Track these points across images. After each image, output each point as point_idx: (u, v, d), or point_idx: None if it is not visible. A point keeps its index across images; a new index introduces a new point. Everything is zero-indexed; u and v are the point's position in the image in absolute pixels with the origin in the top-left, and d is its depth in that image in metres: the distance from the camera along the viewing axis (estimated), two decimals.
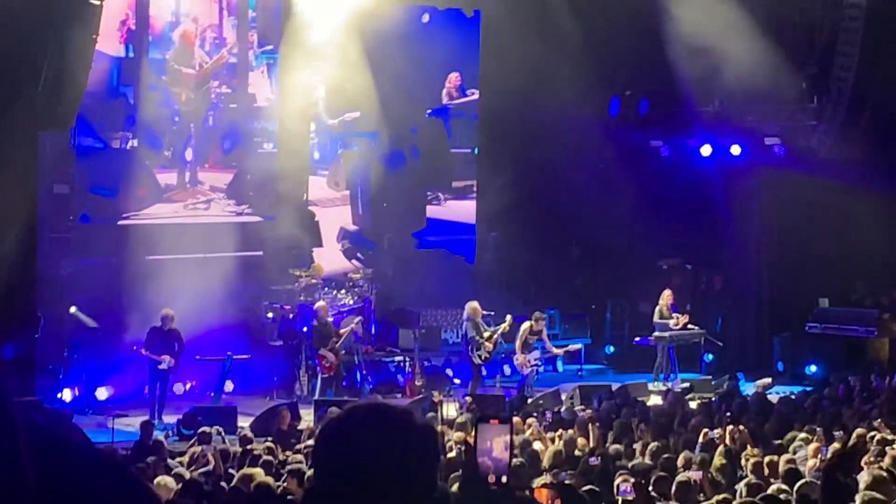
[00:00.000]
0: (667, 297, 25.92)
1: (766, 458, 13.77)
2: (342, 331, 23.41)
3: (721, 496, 11.34)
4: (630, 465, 13.88)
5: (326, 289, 25.15)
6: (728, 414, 18.10)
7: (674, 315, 25.63)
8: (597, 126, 27.83)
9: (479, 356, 23.50)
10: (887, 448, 14.13)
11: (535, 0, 27.38)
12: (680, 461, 13.56)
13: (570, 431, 16.49)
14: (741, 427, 16.01)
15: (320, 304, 23.75)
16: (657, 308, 25.89)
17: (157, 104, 26.29)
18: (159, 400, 21.51)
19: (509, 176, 28.32)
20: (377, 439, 3.07)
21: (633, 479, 11.92)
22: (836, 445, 14.46)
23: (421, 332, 25.10)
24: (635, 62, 26.03)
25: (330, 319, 24.04)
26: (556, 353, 25.35)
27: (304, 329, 23.83)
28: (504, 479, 5.49)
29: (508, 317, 24.62)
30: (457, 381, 24.77)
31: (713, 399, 20.66)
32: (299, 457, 14.74)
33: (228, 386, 22.90)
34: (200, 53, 26.80)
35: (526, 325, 24.00)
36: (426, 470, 3.14)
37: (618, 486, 11.79)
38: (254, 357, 23.78)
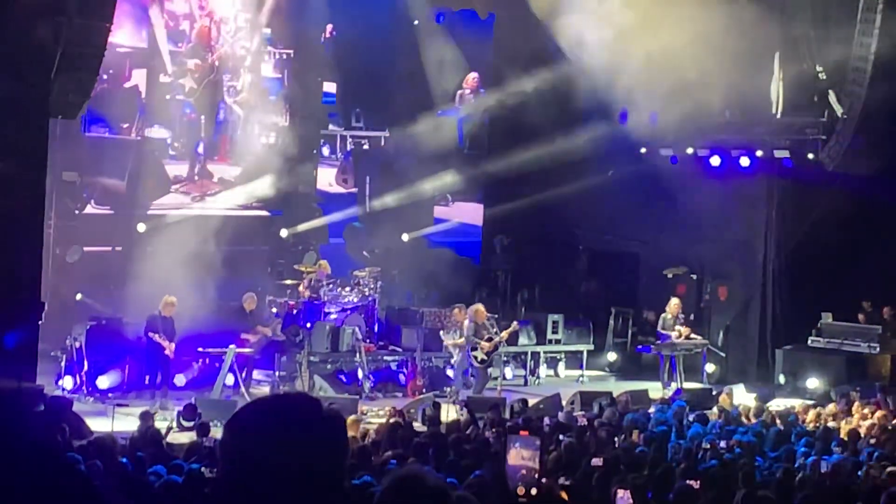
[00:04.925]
0: (674, 306, 25.89)
1: None
2: (261, 329, 23.37)
3: None
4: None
5: (331, 286, 25.15)
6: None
7: (676, 328, 25.60)
8: (607, 133, 27.81)
9: (475, 357, 23.54)
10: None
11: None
12: None
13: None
14: None
15: (248, 294, 23.79)
16: (662, 316, 25.89)
17: (168, 95, 26.37)
18: (160, 387, 21.55)
19: (518, 179, 28.36)
20: (282, 430, 3.09)
21: (629, 487, 11.92)
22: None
23: (424, 332, 25.10)
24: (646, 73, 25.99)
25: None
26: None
27: (308, 325, 23.87)
28: (534, 491, 5.45)
29: (514, 323, 24.71)
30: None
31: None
32: None
33: (229, 379, 22.92)
34: (212, 46, 26.87)
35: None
36: (333, 459, 3.16)
37: (615, 492, 11.78)
38: (256, 351, 23.80)
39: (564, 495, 10.89)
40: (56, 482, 9.96)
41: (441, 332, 24.37)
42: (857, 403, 21.02)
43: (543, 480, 11.76)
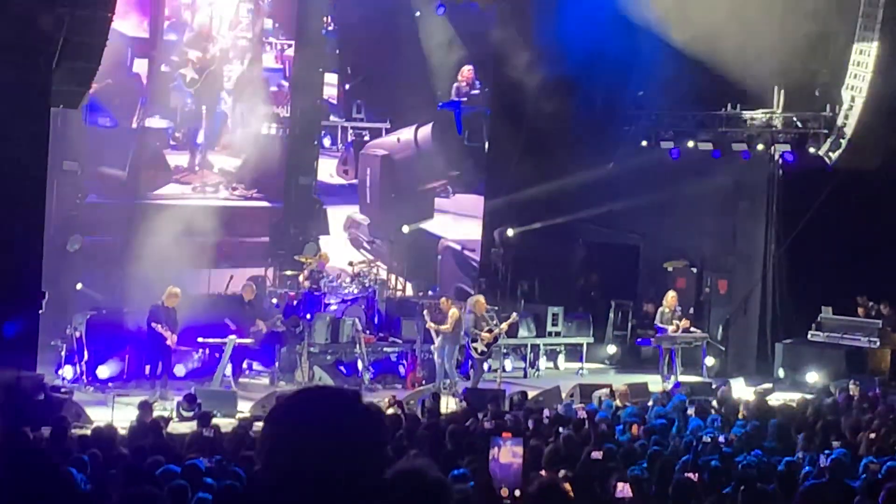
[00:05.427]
0: (671, 299, 25.88)
1: None
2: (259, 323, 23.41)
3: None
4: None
5: (331, 277, 25.16)
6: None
7: (674, 321, 25.58)
8: (607, 126, 27.86)
9: (475, 349, 23.54)
10: None
11: None
12: None
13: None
14: None
15: (247, 284, 23.84)
16: (660, 310, 25.89)
17: (169, 85, 26.37)
18: (161, 377, 21.54)
19: (518, 172, 28.36)
20: (323, 422, 3.08)
21: (629, 479, 11.93)
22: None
23: (424, 324, 25.11)
24: (645, 65, 26.02)
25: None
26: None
27: (308, 316, 23.85)
28: (517, 492, 5.42)
29: (514, 314, 24.69)
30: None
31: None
32: None
33: (229, 369, 22.93)
34: (214, 37, 26.87)
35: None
36: (373, 451, 3.16)
37: (615, 485, 11.79)
38: (256, 342, 23.79)
39: (567, 486, 10.90)
40: (24, 470, 9.91)
41: (425, 312, 24.21)
42: None
43: (543, 473, 11.78)
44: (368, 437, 3.16)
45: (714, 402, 20.40)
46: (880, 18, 24.64)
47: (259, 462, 3.21)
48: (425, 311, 24.12)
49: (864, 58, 25.07)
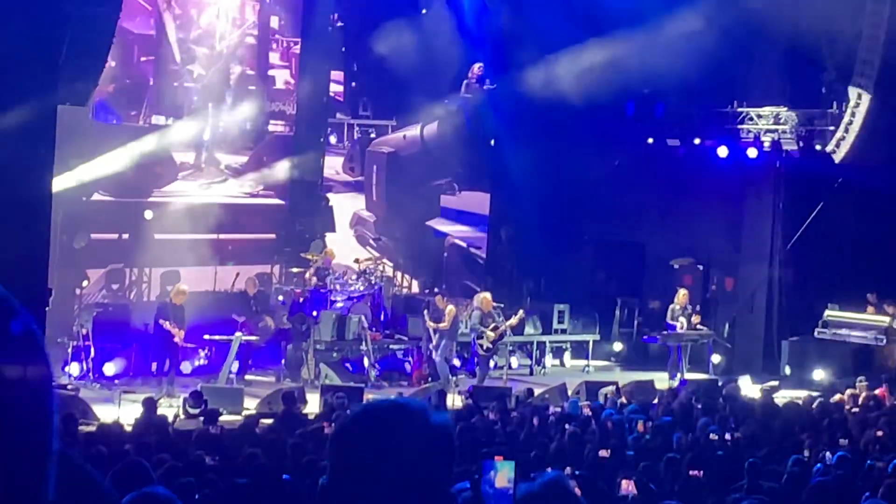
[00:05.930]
0: (682, 297, 25.87)
1: None
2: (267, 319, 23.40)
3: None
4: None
5: (338, 274, 25.16)
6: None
7: (682, 318, 25.56)
8: (614, 122, 27.82)
9: (481, 346, 23.54)
10: None
11: None
12: None
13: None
14: None
15: (249, 278, 23.91)
16: (670, 307, 25.88)
17: (176, 83, 26.37)
18: (167, 374, 21.54)
19: (525, 169, 28.33)
20: (393, 438, 3.06)
21: (634, 478, 11.93)
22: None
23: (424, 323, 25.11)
24: (654, 60, 25.98)
25: None
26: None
27: (314, 313, 23.86)
28: None
29: (521, 311, 24.69)
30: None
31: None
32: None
33: (235, 366, 22.94)
34: (220, 34, 26.88)
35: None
36: (442, 469, 3.13)
37: (619, 483, 11.79)
38: (263, 338, 23.81)
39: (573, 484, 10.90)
40: None
41: (424, 312, 24.22)
42: None
43: (549, 470, 11.77)
44: (437, 453, 3.13)
45: (720, 400, 20.40)
46: (887, 15, 24.59)
47: (329, 476, 3.18)
48: (425, 311, 24.16)
49: (871, 55, 25.03)
